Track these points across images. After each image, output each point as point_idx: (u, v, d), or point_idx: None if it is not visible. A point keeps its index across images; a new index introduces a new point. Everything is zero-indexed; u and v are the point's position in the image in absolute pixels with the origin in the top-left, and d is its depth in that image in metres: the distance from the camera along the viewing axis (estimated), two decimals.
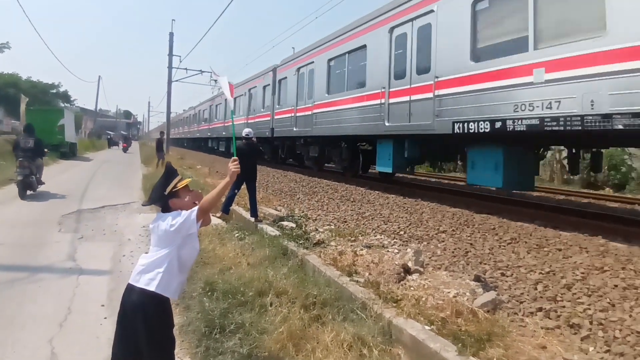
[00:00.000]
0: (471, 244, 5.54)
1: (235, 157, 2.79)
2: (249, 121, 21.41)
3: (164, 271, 2.38)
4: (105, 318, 3.80)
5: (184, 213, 2.42)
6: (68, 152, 25.79)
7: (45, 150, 12.16)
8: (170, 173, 2.56)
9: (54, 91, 44.47)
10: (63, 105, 42.51)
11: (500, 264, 4.76)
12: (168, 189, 2.47)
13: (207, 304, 3.59)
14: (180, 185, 2.52)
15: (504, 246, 5.43)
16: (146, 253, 2.53)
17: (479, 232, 6.13)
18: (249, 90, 22.46)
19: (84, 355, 3.18)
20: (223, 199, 8.06)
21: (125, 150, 39.25)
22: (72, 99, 48.52)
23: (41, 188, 11.24)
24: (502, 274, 4.45)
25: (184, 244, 2.45)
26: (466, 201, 8.74)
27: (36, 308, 4.03)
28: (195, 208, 2.43)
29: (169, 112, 33.91)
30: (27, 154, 10.53)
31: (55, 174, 15.80)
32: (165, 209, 2.51)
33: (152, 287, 2.35)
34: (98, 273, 5.08)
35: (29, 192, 10.57)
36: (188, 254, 2.50)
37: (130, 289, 2.40)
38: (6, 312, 3.91)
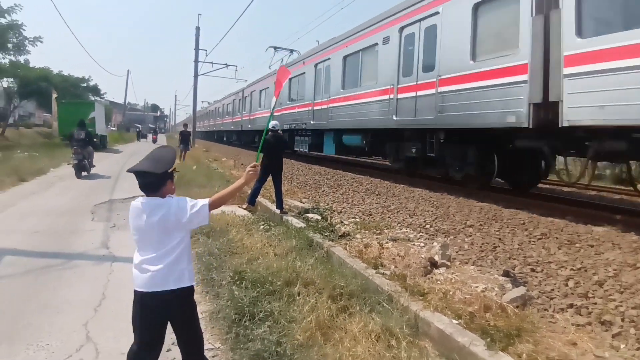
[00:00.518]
0: (500, 239, 5.46)
1: (256, 163, 2.71)
2: (329, 105, 14.48)
3: (187, 263, 2.40)
4: None
5: (192, 205, 2.33)
6: (99, 144, 26.53)
7: (95, 140, 15.51)
8: (175, 154, 2.46)
9: (84, 85, 45.54)
10: (93, 98, 43.58)
11: (530, 259, 4.68)
12: (172, 168, 2.37)
13: (236, 292, 3.65)
14: (175, 170, 2.43)
15: (534, 242, 5.33)
16: (141, 255, 2.34)
17: (507, 227, 6.03)
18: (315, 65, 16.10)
19: (117, 340, 3.27)
20: (249, 191, 8.16)
21: (154, 141, 40.89)
22: (102, 93, 49.65)
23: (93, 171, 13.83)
24: (532, 270, 4.39)
25: (189, 231, 2.44)
26: (494, 196, 8.58)
27: (72, 293, 4.17)
28: (206, 202, 2.36)
29: (195, 105, 34.42)
30: (79, 143, 12.91)
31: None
32: (153, 187, 2.32)
33: (184, 284, 2.36)
34: (131, 261, 5.15)
35: (83, 173, 12.96)
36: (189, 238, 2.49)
37: (151, 295, 2.30)
38: (43, 296, 4.06)
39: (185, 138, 20.07)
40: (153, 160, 2.34)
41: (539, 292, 3.84)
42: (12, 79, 34.86)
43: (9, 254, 5.25)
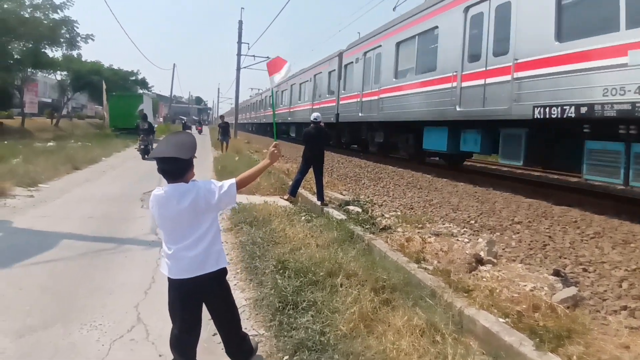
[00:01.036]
0: (550, 237, 5.26)
1: (277, 142, 2.73)
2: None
3: (221, 244, 2.46)
4: None
5: (220, 185, 2.33)
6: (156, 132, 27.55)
7: (154, 129, 20.02)
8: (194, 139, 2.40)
9: (133, 78, 47.41)
10: (141, 91, 45.27)
11: (582, 259, 4.49)
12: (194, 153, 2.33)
13: (279, 281, 3.69)
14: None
15: (587, 240, 5.11)
16: (174, 244, 2.34)
17: (558, 225, 5.80)
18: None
19: (166, 322, 3.34)
20: (290, 182, 8.24)
21: (200, 132, 44.22)
22: (149, 86, 51.47)
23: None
24: (584, 270, 4.21)
25: (217, 214, 2.46)
26: (543, 192, 8.27)
27: (123, 276, 4.35)
28: (233, 181, 2.37)
29: (237, 98, 34.98)
30: (144, 132, 17.08)
31: (138, 154, 16.98)
32: (180, 172, 2.29)
33: (221, 265, 2.42)
34: None
35: (146, 157, 15.96)
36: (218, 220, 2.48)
37: (191, 281, 2.33)
38: (97, 279, 4.26)
39: (224, 130, 20.10)
40: (176, 146, 2.27)
41: (591, 292, 3.68)
42: (65, 72, 36.84)
43: (66, 238, 5.55)
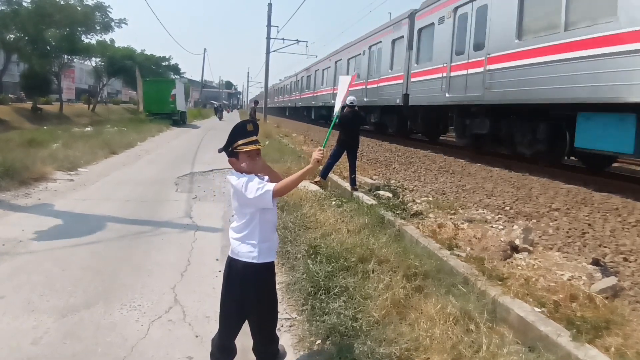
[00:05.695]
0: (589, 225, 5.09)
1: (322, 148, 2.56)
2: None
3: (261, 240, 2.39)
4: (220, 271, 4.10)
5: (258, 187, 2.28)
6: (179, 119, 28.08)
7: (223, 109, 50.86)
8: (238, 130, 2.41)
9: (166, 64, 48.12)
10: (174, 76, 45.95)
11: (623, 248, 4.34)
12: (232, 147, 2.38)
13: (311, 266, 3.72)
14: (244, 148, 2.36)
15: (628, 229, 4.91)
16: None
17: (598, 212, 5.59)
18: None
19: (202, 303, 3.48)
20: (320, 167, 8.25)
21: (228, 112, 56.40)
22: (181, 72, 52.20)
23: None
24: (625, 259, 4.07)
25: (264, 211, 2.39)
26: (583, 177, 7.96)
27: (160, 258, 4.48)
28: (271, 188, 2.28)
29: (266, 82, 35.06)
30: (218, 110, 46.91)
31: (171, 139, 17.35)
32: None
33: (258, 259, 2.38)
34: (211, 230, 5.53)
35: (220, 120, 38.70)
36: (272, 214, 2.46)
37: (235, 262, 2.42)
38: (135, 260, 4.40)
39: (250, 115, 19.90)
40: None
41: (632, 283, 3.56)
42: (100, 59, 37.79)
43: (106, 220, 5.75)
